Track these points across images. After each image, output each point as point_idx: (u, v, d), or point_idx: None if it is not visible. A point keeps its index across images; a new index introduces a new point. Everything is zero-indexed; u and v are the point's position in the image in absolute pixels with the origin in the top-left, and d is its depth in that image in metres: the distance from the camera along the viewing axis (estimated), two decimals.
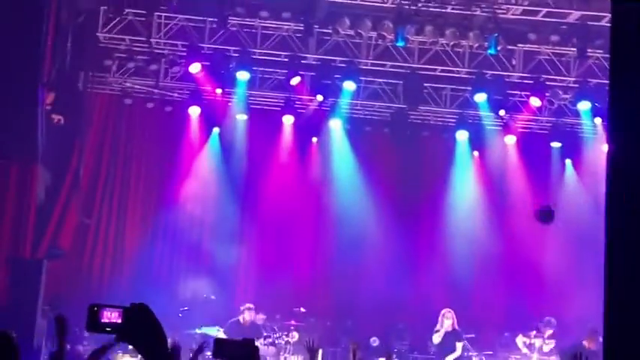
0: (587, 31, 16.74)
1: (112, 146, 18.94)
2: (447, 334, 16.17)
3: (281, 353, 16.73)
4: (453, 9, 16.45)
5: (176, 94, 19.10)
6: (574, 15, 16.48)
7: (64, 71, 15.79)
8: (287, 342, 16.88)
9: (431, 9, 16.37)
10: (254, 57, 17.84)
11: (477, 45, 17.02)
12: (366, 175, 19.39)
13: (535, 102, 18.34)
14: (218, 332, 16.20)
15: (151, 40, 17.59)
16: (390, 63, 18.03)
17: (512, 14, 16.64)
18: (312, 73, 18.27)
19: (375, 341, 18.06)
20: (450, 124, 19.55)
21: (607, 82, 16.31)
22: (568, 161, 19.52)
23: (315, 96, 18.45)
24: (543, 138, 19.49)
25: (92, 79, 18.08)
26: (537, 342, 15.96)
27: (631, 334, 3.82)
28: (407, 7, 16.32)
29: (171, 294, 17.89)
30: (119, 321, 3.93)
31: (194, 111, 18.84)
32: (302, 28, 17.17)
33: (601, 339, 14.57)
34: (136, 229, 19.00)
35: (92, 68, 17.89)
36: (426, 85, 18.53)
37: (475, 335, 16.96)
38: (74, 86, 17.44)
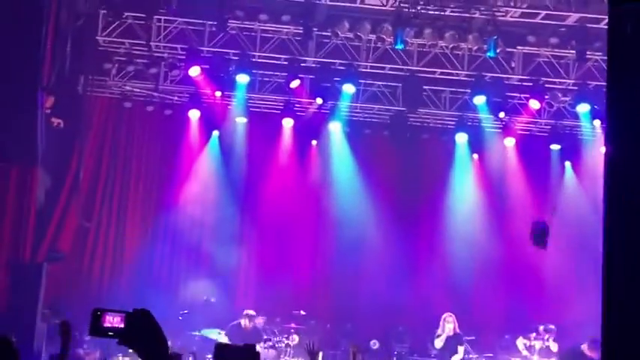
0: (586, 34, 16.75)
1: (112, 149, 18.96)
2: (448, 338, 16.15)
3: (281, 356, 16.73)
4: (452, 12, 16.46)
5: (176, 98, 19.13)
6: (573, 17, 16.50)
7: (63, 75, 15.79)
8: (287, 345, 16.88)
9: (430, 12, 16.38)
10: (253, 60, 17.86)
11: (476, 47, 17.04)
12: (366, 178, 19.40)
13: (534, 104, 18.35)
14: (219, 335, 16.21)
15: (151, 43, 17.63)
16: (389, 66, 18.05)
17: (511, 17, 16.65)
18: (312, 76, 18.29)
19: (375, 344, 18.06)
20: (449, 126, 19.57)
21: (606, 84, 16.37)
22: (567, 163, 19.54)
23: (314, 99, 18.46)
24: (543, 140, 19.50)
25: (92, 83, 18.08)
26: (537, 344, 15.97)
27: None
28: (406, 10, 16.34)
29: (171, 297, 17.90)
30: (121, 325, 3.97)
31: (194, 114, 18.86)
32: (301, 31, 17.17)
33: (598, 349, 14.61)
34: (135, 231, 19.01)
35: (92, 72, 17.90)
36: (425, 87, 18.55)
37: (475, 338, 16.97)
38: (74, 90, 17.45)
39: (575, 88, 18.12)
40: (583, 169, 19.24)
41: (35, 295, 14.91)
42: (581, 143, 19.27)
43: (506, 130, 19.29)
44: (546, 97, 18.26)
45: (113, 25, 17.48)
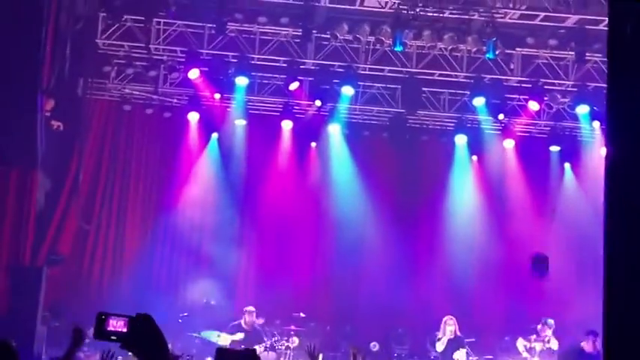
0: (585, 35, 16.76)
1: (112, 152, 18.96)
2: (449, 341, 16.13)
3: (281, 358, 16.73)
4: (450, 14, 16.47)
5: (175, 100, 19.13)
6: (572, 19, 16.52)
7: (63, 78, 15.80)
8: (287, 347, 16.87)
9: (429, 14, 16.38)
10: (252, 62, 17.87)
11: (475, 49, 17.04)
12: (365, 180, 19.41)
13: (533, 106, 18.36)
14: (218, 337, 16.20)
15: (150, 46, 17.63)
16: (388, 68, 18.07)
17: (510, 18, 16.66)
18: (311, 78, 18.30)
19: (374, 346, 18.07)
20: (448, 128, 19.58)
21: (605, 85, 16.40)
22: (567, 165, 19.54)
23: (313, 101, 18.47)
24: (542, 142, 19.51)
25: (91, 86, 18.08)
26: (538, 345, 15.96)
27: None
28: (405, 12, 16.34)
29: (171, 299, 17.90)
30: (124, 330, 4.01)
31: (193, 117, 18.87)
32: (300, 34, 17.19)
33: (597, 341, 14.63)
34: (135, 234, 19.01)
35: (91, 74, 17.90)
36: (424, 89, 18.56)
37: (475, 340, 16.96)
38: (73, 93, 17.45)
39: (575, 89, 18.13)
40: (582, 171, 19.24)
41: (35, 298, 14.91)
42: (581, 145, 19.28)
43: (505, 131, 19.30)
44: (545, 98, 18.26)
45: (113, 28, 17.50)
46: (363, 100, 18.99)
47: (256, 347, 15.64)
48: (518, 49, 17.73)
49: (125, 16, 17.18)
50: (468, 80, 18.14)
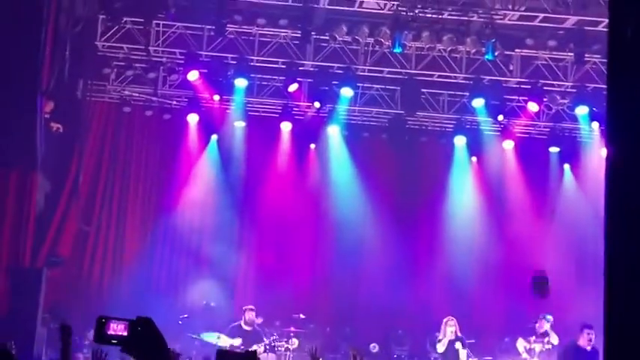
0: (584, 36, 16.77)
1: (111, 154, 18.96)
2: (450, 341, 16.09)
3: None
4: (449, 15, 16.47)
5: (174, 102, 19.14)
6: (571, 20, 16.52)
7: (62, 80, 15.81)
8: (287, 348, 16.87)
9: (428, 15, 16.39)
10: (252, 64, 17.88)
11: (474, 50, 17.04)
12: (365, 181, 19.41)
13: (533, 107, 18.37)
14: (218, 339, 16.20)
15: (149, 48, 17.64)
16: (387, 69, 18.08)
17: (509, 20, 16.68)
18: (310, 80, 18.32)
19: (374, 347, 18.08)
20: (447, 129, 19.60)
21: (605, 86, 16.38)
22: (566, 166, 19.55)
23: (312, 102, 18.47)
24: (541, 143, 19.53)
25: (91, 88, 18.09)
26: (537, 346, 15.96)
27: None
28: (404, 13, 16.35)
29: (170, 301, 17.89)
30: (125, 333, 4.01)
31: (192, 118, 18.88)
32: (299, 35, 17.20)
33: (591, 334, 14.65)
34: (135, 236, 19.01)
35: (91, 76, 17.92)
36: (423, 90, 18.58)
37: (475, 341, 16.95)
38: (73, 95, 17.47)
39: (574, 90, 18.14)
40: (582, 172, 19.25)
41: (35, 299, 14.90)
42: (580, 146, 19.30)
43: (504, 132, 19.32)
44: (545, 99, 18.28)
45: (112, 30, 17.51)
46: (363, 101, 19.00)
47: (255, 347, 15.67)
48: (517, 50, 17.75)
49: (124, 18, 17.19)
50: (467, 81, 18.16)
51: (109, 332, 4.05)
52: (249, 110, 19.10)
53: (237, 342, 16.11)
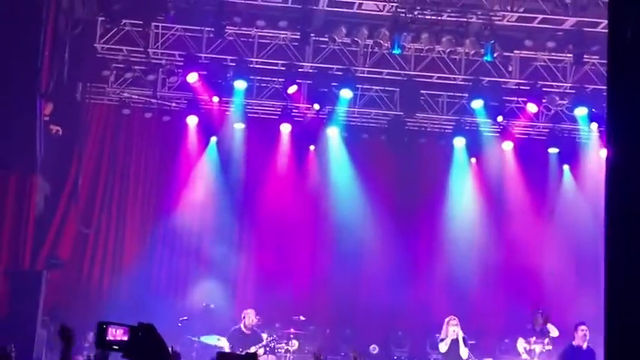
0: (583, 37, 16.79)
1: (111, 156, 18.95)
2: (453, 341, 16.01)
3: None
4: (448, 16, 16.48)
5: (174, 104, 19.14)
6: (570, 21, 16.52)
7: (61, 82, 15.79)
8: (287, 350, 16.87)
9: (427, 16, 16.40)
10: (251, 66, 17.89)
11: (473, 52, 17.05)
12: (364, 183, 19.41)
13: (532, 108, 18.38)
14: (218, 341, 16.20)
15: (149, 50, 17.64)
16: (386, 70, 18.07)
17: (508, 21, 16.68)
18: (309, 82, 18.32)
19: (374, 349, 18.09)
20: (447, 130, 19.60)
21: (604, 87, 16.37)
22: (566, 167, 19.56)
23: (312, 104, 18.47)
24: (541, 144, 19.54)
25: (90, 90, 18.12)
26: (538, 347, 15.95)
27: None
28: (403, 14, 16.36)
29: (170, 303, 17.89)
30: (125, 338, 4.01)
31: (192, 120, 18.89)
32: (298, 37, 17.21)
33: (582, 331, 14.71)
34: (135, 238, 19.00)
35: (90, 79, 17.93)
36: (422, 92, 18.59)
37: (475, 342, 16.95)
38: (72, 97, 17.46)
39: (573, 91, 18.15)
40: (581, 173, 19.27)
41: (35, 302, 14.88)
42: (579, 146, 19.32)
43: (504, 133, 19.34)
44: (544, 100, 18.30)
45: (111, 32, 17.50)
46: (362, 103, 19.00)
47: (253, 348, 15.67)
48: (516, 51, 17.76)
49: (124, 21, 17.17)
50: (467, 83, 18.16)
51: (107, 337, 4.04)
52: (248, 112, 19.11)
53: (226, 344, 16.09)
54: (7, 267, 15.52)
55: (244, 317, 16.44)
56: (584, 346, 14.82)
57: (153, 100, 18.82)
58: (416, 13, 16.29)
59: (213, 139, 19.30)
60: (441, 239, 19.30)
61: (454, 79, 18.20)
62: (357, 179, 19.41)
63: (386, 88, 18.79)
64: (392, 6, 16.29)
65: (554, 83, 18.12)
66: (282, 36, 17.52)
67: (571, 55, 17.38)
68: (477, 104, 18.24)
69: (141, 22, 17.14)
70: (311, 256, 19.37)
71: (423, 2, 16.18)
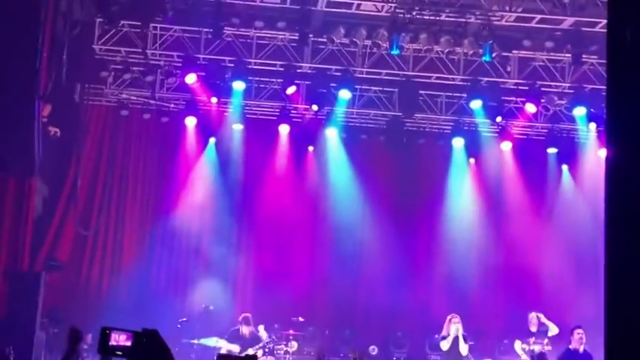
0: (582, 37, 16.78)
1: (109, 158, 18.94)
2: (455, 339, 15.95)
3: None
4: (447, 17, 16.47)
5: (172, 105, 19.13)
6: (568, 21, 16.52)
7: (60, 83, 15.76)
8: (286, 351, 16.87)
9: (425, 17, 16.39)
10: (249, 67, 17.88)
11: (471, 52, 17.05)
12: (363, 183, 19.41)
13: (530, 108, 18.38)
14: (217, 343, 16.19)
15: (147, 51, 17.63)
16: (385, 71, 18.07)
17: (507, 21, 16.67)
18: (308, 82, 18.32)
19: (373, 350, 18.08)
20: (445, 131, 19.60)
21: (602, 87, 16.38)
22: (564, 167, 19.56)
23: (310, 105, 18.47)
24: (539, 144, 19.54)
25: (88, 91, 18.10)
26: (537, 348, 15.94)
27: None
28: (401, 15, 16.35)
29: (169, 304, 17.87)
30: (128, 344, 3.99)
31: (190, 121, 18.89)
32: (297, 38, 17.19)
33: (578, 334, 14.71)
34: (133, 239, 18.99)
35: (88, 80, 17.91)
36: (421, 92, 18.58)
37: (474, 342, 16.94)
38: (70, 98, 17.44)
39: (572, 91, 18.15)
40: (580, 172, 19.27)
41: (34, 304, 14.87)
42: (578, 146, 19.32)
43: (502, 134, 19.34)
44: (542, 100, 18.30)
45: (109, 34, 17.50)
46: (360, 103, 19.00)
47: (251, 350, 15.67)
48: (514, 51, 17.75)
49: (122, 22, 17.16)
50: (465, 83, 18.16)
51: (110, 343, 4.03)
52: (247, 113, 19.10)
53: (235, 348, 16.06)
54: (6, 269, 15.51)
55: (242, 322, 16.35)
56: (581, 349, 14.81)
57: (151, 101, 18.80)
58: (414, 13, 16.28)
59: (212, 140, 19.30)
60: (440, 240, 19.30)
61: (453, 79, 18.20)
62: (355, 180, 19.41)
63: (384, 89, 18.79)
64: (390, 6, 16.29)
65: (552, 83, 18.12)
66: (281, 37, 17.51)
67: (569, 55, 17.38)
68: (476, 104, 18.23)
69: (139, 23, 17.13)
70: (310, 257, 19.36)
71: (421, 2, 16.18)
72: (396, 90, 18.61)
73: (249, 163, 19.25)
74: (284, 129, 19.10)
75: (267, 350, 16.30)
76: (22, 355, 13.83)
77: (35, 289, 15.02)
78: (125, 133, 19.20)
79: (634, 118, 3.88)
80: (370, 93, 18.91)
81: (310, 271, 19.26)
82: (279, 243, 19.20)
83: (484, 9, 16.36)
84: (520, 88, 18.31)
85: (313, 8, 16.63)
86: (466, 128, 19.27)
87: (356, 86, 18.44)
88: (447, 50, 17.05)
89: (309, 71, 18.07)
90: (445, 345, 15.89)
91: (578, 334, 14.87)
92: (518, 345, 16.29)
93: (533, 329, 16.32)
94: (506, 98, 18.57)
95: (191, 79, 17.68)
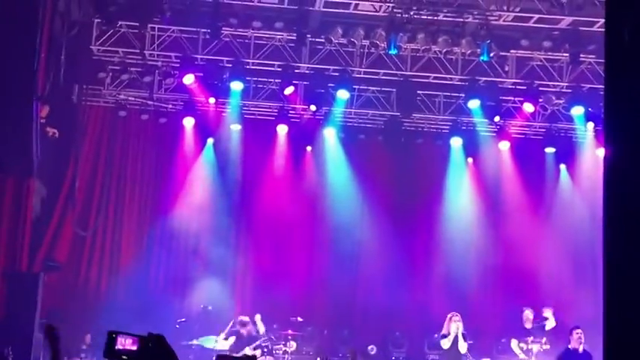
0: (579, 37, 16.79)
1: (107, 158, 18.94)
2: (456, 337, 15.90)
3: None
4: (445, 16, 16.48)
5: (170, 106, 19.13)
6: (566, 21, 16.53)
7: (58, 84, 15.76)
8: (285, 351, 16.87)
9: (423, 17, 16.40)
10: (247, 67, 17.89)
11: (469, 52, 17.05)
12: (361, 183, 19.42)
13: (528, 108, 18.39)
14: (216, 343, 16.19)
15: (145, 52, 17.63)
16: (383, 71, 18.07)
17: (504, 21, 16.68)
18: (306, 83, 18.32)
19: (372, 349, 18.09)
20: (443, 130, 19.61)
21: (600, 86, 16.38)
22: (562, 166, 19.57)
23: (308, 105, 18.47)
24: (537, 143, 19.55)
25: (86, 92, 18.09)
26: (535, 347, 15.96)
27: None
28: (399, 15, 16.36)
29: (167, 305, 17.86)
30: (134, 348, 4.00)
31: (188, 122, 18.88)
32: (295, 38, 17.20)
33: (577, 334, 14.72)
34: (131, 240, 18.98)
35: (86, 81, 17.90)
36: (419, 92, 18.60)
37: (473, 342, 16.95)
38: (68, 99, 17.43)
39: (569, 90, 18.17)
40: (578, 172, 19.28)
41: (32, 304, 14.87)
42: (576, 146, 19.33)
43: (500, 133, 19.34)
44: (540, 100, 18.29)
45: (107, 34, 17.50)
46: (358, 103, 19.01)
47: (247, 349, 15.68)
48: (512, 51, 17.76)
49: (119, 22, 17.16)
50: (463, 83, 18.17)
51: (116, 347, 4.04)
52: (245, 113, 19.09)
53: (231, 339, 16.06)
54: (4, 269, 15.52)
55: (239, 324, 16.34)
56: (580, 349, 14.82)
57: (149, 102, 18.80)
58: (412, 13, 16.29)
59: (210, 140, 19.29)
60: (438, 239, 19.31)
61: (450, 79, 18.20)
62: (354, 180, 19.41)
63: (382, 89, 18.80)
64: (388, 6, 16.29)
65: (550, 83, 18.13)
66: (279, 37, 17.51)
67: (567, 55, 17.38)
68: (474, 104, 18.24)
69: (137, 24, 17.11)
70: (308, 257, 19.36)
71: (419, 2, 16.19)
72: (394, 90, 18.62)
73: (247, 164, 19.26)
74: (282, 129, 19.10)
75: (265, 350, 16.30)
76: (21, 355, 13.84)
77: (34, 289, 15.03)
78: (123, 133, 19.20)
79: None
80: (368, 93, 18.91)
81: (309, 271, 19.27)
82: (278, 243, 19.20)
83: (482, 9, 16.38)
84: (518, 87, 18.32)
85: (311, 8, 16.63)
86: (464, 128, 19.28)
87: (354, 86, 18.45)
88: (444, 50, 17.05)
89: (307, 71, 18.08)
90: (446, 343, 15.84)
91: (577, 333, 14.88)
92: (514, 344, 16.31)
93: (528, 326, 16.35)
94: (504, 98, 18.58)
95: (189, 79, 17.68)
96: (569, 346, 14.97)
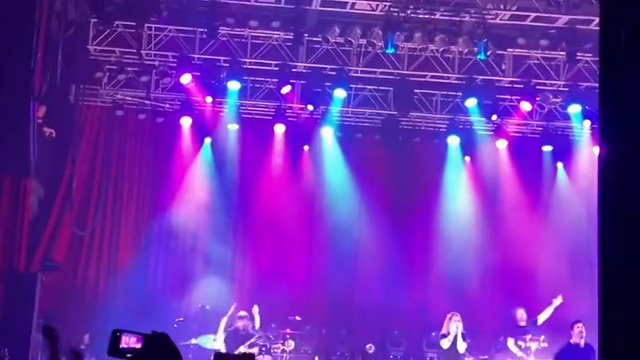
0: (576, 35, 16.81)
1: (105, 158, 18.92)
2: (455, 337, 15.87)
3: None
4: (441, 15, 16.50)
5: (167, 105, 19.12)
6: (562, 19, 16.55)
7: (55, 84, 15.77)
8: (283, 350, 16.87)
9: (420, 16, 16.41)
10: (244, 66, 17.88)
11: (466, 50, 17.06)
12: (359, 182, 19.42)
13: (525, 106, 18.40)
14: (214, 342, 16.19)
15: (142, 51, 17.63)
16: (380, 70, 18.08)
17: (501, 19, 16.70)
18: (303, 82, 18.32)
19: (370, 348, 18.07)
20: (441, 129, 19.61)
21: (597, 85, 16.41)
22: (560, 164, 19.58)
23: (305, 104, 18.48)
24: (534, 142, 19.56)
25: (83, 92, 18.07)
26: (533, 345, 15.96)
27: (626, 334, 3.85)
28: (396, 14, 16.37)
29: (165, 304, 17.87)
30: (138, 346, 4.01)
31: (185, 121, 18.87)
32: (292, 37, 17.21)
33: (578, 328, 14.74)
34: (129, 240, 18.98)
35: (83, 81, 17.89)
36: (416, 91, 18.60)
37: (471, 340, 16.95)
38: (65, 99, 17.45)
39: (566, 89, 18.19)
40: (575, 170, 19.29)
41: (30, 304, 14.87)
42: (573, 144, 19.34)
43: (497, 132, 19.34)
44: (537, 98, 18.31)
45: (104, 34, 17.50)
46: (356, 102, 19.01)
47: (242, 347, 15.68)
48: (509, 49, 17.77)
49: (116, 22, 17.16)
50: (460, 81, 18.18)
51: (121, 345, 4.05)
52: (242, 113, 19.09)
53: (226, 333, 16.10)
54: (1, 270, 15.50)
55: (237, 320, 16.34)
56: (582, 343, 14.83)
57: (146, 102, 18.80)
58: (409, 12, 16.31)
59: (207, 140, 19.29)
60: (436, 238, 19.30)
61: (448, 77, 18.22)
62: (351, 179, 19.41)
63: (380, 88, 18.80)
64: (385, 5, 16.30)
65: (547, 81, 18.15)
66: (276, 36, 17.52)
67: (564, 53, 17.40)
68: (471, 103, 18.25)
69: (134, 24, 17.11)
70: (306, 256, 19.36)
71: (415, 1, 16.20)
72: (391, 89, 18.62)
73: (244, 163, 19.25)
74: (279, 128, 19.10)
75: (263, 349, 16.30)
76: (18, 356, 13.83)
77: (31, 289, 15.02)
78: (120, 133, 19.18)
79: (628, 117, 3.89)
80: (365, 92, 18.92)
81: (307, 270, 19.27)
82: (276, 242, 19.18)
83: (479, 7, 16.39)
84: (515, 86, 18.33)
85: (308, 7, 16.64)
86: (461, 126, 19.28)
87: (351, 85, 18.45)
88: (441, 49, 17.05)
89: (304, 70, 18.08)
90: (446, 343, 15.79)
91: (578, 327, 14.89)
92: (511, 342, 16.29)
93: (523, 324, 16.36)
94: (501, 96, 18.58)
95: (186, 79, 17.67)
96: (571, 341, 14.98)
